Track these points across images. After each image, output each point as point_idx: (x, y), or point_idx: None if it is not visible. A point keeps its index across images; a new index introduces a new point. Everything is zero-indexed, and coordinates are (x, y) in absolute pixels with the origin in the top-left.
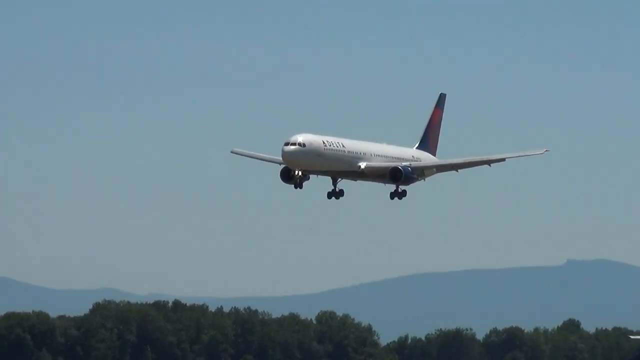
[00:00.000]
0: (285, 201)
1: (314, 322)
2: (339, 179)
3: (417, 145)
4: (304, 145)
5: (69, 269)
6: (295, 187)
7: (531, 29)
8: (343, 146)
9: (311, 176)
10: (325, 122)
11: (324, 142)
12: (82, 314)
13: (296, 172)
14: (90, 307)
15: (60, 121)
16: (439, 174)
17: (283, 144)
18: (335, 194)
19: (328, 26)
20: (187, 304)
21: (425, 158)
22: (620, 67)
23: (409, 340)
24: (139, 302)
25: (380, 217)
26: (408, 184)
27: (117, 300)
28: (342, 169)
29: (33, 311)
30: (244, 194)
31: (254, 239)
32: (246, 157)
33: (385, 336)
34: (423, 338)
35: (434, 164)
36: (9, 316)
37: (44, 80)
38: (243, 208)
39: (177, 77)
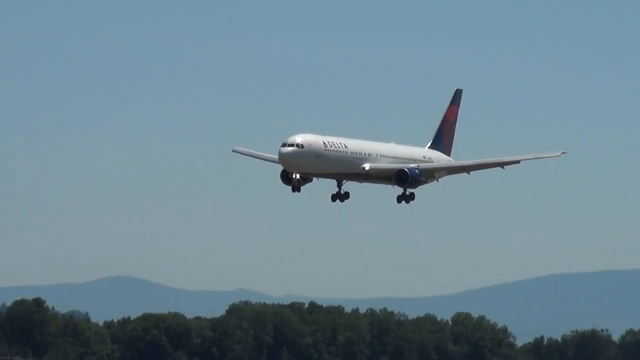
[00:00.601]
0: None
1: (450, 323)
2: (344, 181)
3: (429, 144)
4: (302, 146)
5: (205, 271)
6: (293, 191)
7: (549, 29)
8: (345, 147)
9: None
10: (334, 121)
11: (324, 143)
12: (218, 315)
13: (294, 175)
14: (226, 308)
15: (71, 120)
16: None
17: (280, 145)
18: (340, 196)
19: (337, 23)
20: (323, 305)
21: (438, 158)
22: None
23: (545, 341)
24: (275, 304)
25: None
26: (416, 187)
27: (253, 302)
28: (344, 171)
29: (169, 312)
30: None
31: (388, 240)
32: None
33: (521, 337)
34: (559, 339)
35: (444, 166)
36: (146, 317)
37: (44, 80)
38: (380, 210)
39: (179, 75)
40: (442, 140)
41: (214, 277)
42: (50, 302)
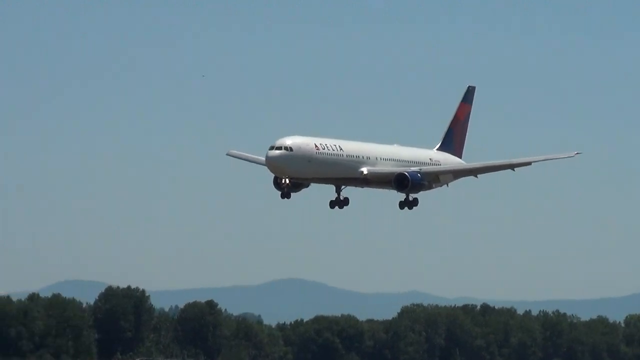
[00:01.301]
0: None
1: (622, 325)
2: (342, 187)
3: (438, 146)
4: (292, 149)
5: (377, 273)
6: (282, 197)
7: (563, 27)
8: (341, 149)
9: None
10: (336, 123)
11: (316, 145)
12: (390, 317)
13: (283, 180)
14: (399, 310)
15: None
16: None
17: (268, 148)
18: (339, 202)
19: (338, 19)
20: (495, 307)
21: (447, 161)
22: None
23: None
24: (447, 306)
25: None
26: (418, 192)
27: (425, 304)
28: (340, 176)
29: (342, 315)
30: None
31: (556, 241)
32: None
33: None
34: None
35: (448, 169)
36: (319, 320)
37: (33, 80)
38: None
39: (172, 78)
40: (453, 141)
41: (386, 280)
42: (222, 305)
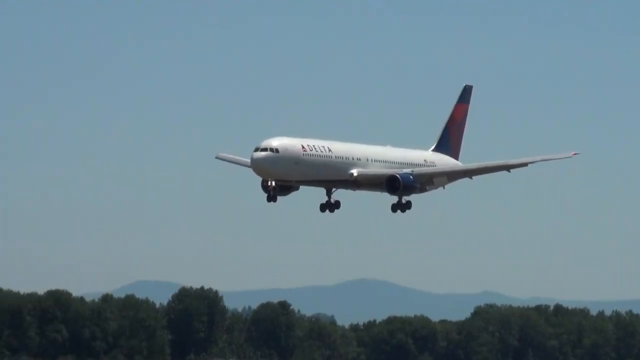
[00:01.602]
0: None
1: None
2: (333, 189)
3: (433, 147)
4: (278, 150)
5: (450, 274)
6: (269, 201)
7: (563, 26)
8: (329, 150)
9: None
10: (329, 124)
11: (303, 147)
12: (463, 318)
13: (269, 182)
14: (472, 311)
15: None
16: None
17: (253, 149)
18: (330, 206)
19: (331, 17)
20: (569, 308)
21: (443, 162)
22: None
23: None
24: (520, 306)
25: None
26: (410, 194)
27: (499, 304)
28: (329, 178)
29: (415, 316)
30: None
31: (630, 239)
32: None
33: None
34: None
35: (442, 170)
36: (391, 320)
37: (20, 81)
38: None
39: (161, 81)
40: (449, 142)
41: (459, 280)
42: (296, 305)
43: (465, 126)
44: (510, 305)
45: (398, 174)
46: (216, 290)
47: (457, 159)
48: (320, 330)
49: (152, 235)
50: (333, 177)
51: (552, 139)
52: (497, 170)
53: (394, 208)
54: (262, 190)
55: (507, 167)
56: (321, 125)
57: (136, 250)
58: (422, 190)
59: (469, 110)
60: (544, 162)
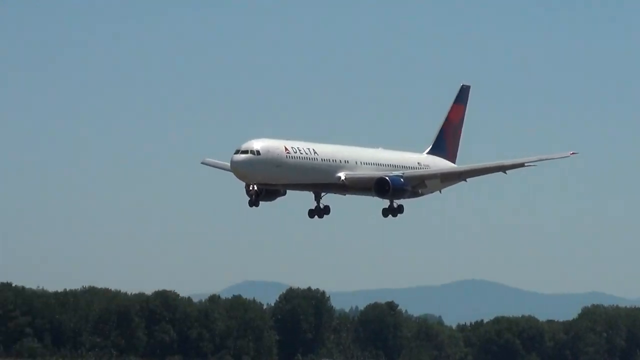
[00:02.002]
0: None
1: None
2: (323, 194)
3: (428, 149)
4: (259, 152)
5: (557, 274)
6: (250, 205)
7: (563, 25)
8: (315, 153)
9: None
10: (321, 127)
11: (286, 149)
12: (570, 318)
13: (250, 186)
14: (579, 311)
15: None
16: None
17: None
18: (319, 211)
19: (322, 18)
20: None
21: (437, 165)
22: None
23: None
24: (627, 307)
25: None
26: (400, 198)
27: (606, 305)
28: (314, 181)
29: (522, 316)
30: None
31: None
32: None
33: None
34: None
35: (433, 172)
36: (499, 321)
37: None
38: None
39: (147, 85)
40: (445, 144)
41: (566, 280)
42: (403, 306)
43: (463, 128)
44: (617, 306)
45: (387, 177)
46: (323, 291)
47: (454, 162)
48: (428, 331)
49: (257, 235)
50: (319, 181)
51: (556, 140)
52: (492, 172)
53: (385, 212)
54: (246, 194)
55: (503, 168)
56: (313, 128)
57: (243, 250)
58: (415, 194)
59: (466, 111)
60: None
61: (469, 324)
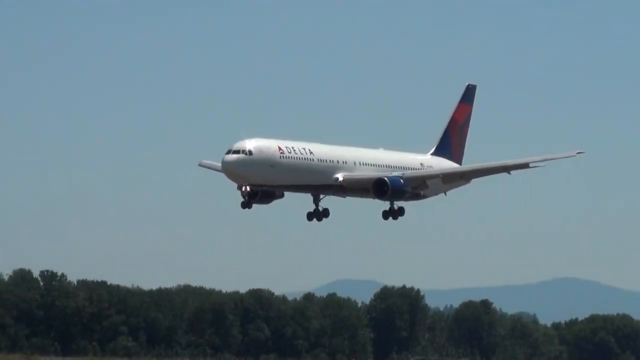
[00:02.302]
0: None
1: None
2: (322, 196)
3: (432, 150)
4: (251, 152)
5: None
6: (243, 207)
7: (563, 24)
8: (311, 153)
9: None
10: (324, 128)
11: (280, 149)
12: None
13: (243, 187)
14: None
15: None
16: None
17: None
18: (318, 214)
19: (324, 18)
20: None
21: (441, 166)
22: None
23: None
24: None
25: None
26: (399, 200)
27: None
28: (310, 182)
29: (617, 314)
30: None
31: None
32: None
33: None
34: None
35: (434, 172)
36: (593, 319)
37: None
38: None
39: (144, 87)
40: (450, 145)
41: None
42: (497, 304)
43: (469, 128)
44: None
45: (386, 177)
46: (418, 289)
47: (460, 163)
48: (522, 329)
49: (350, 234)
50: (315, 182)
51: (565, 140)
52: (495, 172)
53: (385, 215)
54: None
55: (507, 169)
56: (315, 129)
57: (336, 249)
58: (416, 195)
59: (472, 112)
60: None
61: (563, 322)
